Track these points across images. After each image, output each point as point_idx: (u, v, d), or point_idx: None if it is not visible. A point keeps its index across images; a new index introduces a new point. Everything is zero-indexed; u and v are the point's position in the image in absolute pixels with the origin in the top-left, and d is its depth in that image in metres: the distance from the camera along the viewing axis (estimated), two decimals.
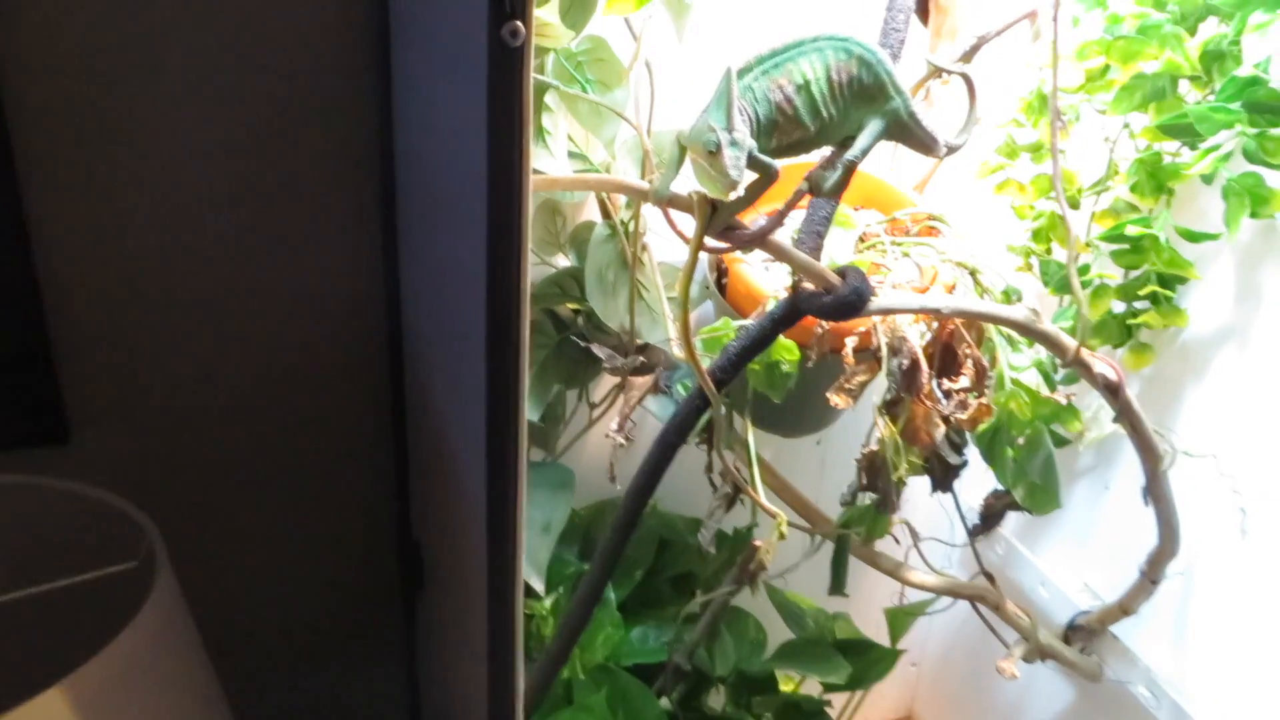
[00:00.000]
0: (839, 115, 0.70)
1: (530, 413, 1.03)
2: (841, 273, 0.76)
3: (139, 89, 0.91)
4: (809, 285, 0.77)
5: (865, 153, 0.71)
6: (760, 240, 0.72)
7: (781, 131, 0.69)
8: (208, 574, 1.12)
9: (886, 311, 0.79)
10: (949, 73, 0.78)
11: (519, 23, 0.45)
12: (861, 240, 1.04)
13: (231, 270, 1.02)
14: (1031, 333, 0.83)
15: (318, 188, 1.00)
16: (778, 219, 0.72)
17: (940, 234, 1.04)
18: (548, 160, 0.95)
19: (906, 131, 0.73)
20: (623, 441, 0.91)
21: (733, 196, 0.66)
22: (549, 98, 0.93)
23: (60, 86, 0.88)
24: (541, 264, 1.07)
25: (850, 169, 0.71)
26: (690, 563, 1.20)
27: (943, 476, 1.10)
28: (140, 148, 0.93)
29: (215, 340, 1.04)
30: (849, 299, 0.74)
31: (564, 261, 1.07)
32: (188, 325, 1.03)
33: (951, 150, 0.75)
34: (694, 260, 0.71)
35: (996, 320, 0.84)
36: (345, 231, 1.03)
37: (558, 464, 1.11)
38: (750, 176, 0.69)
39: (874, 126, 0.71)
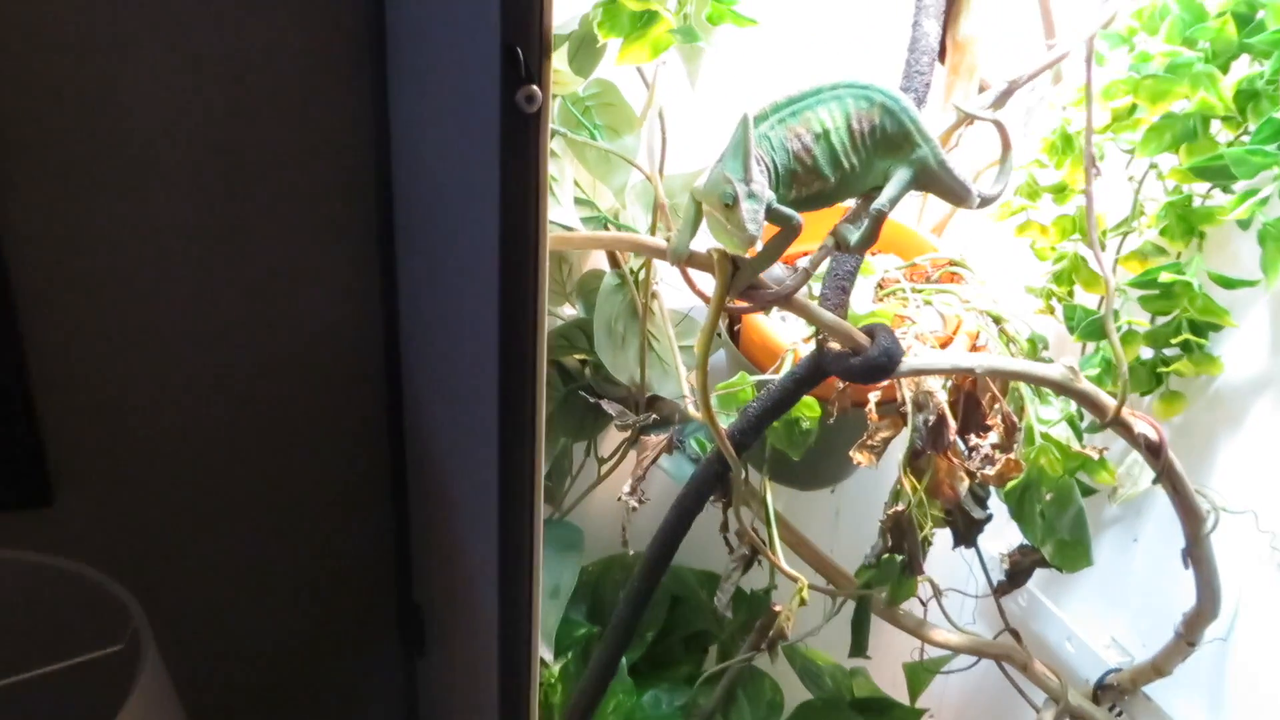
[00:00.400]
0: (862, 165, 0.66)
1: None
2: (870, 332, 0.72)
3: (123, 135, 0.87)
4: (835, 345, 0.73)
5: (894, 203, 0.67)
6: (784, 300, 0.68)
7: (800, 182, 0.65)
8: (198, 636, 1.07)
9: (918, 373, 0.74)
10: (980, 119, 0.74)
11: (535, 87, 0.41)
12: (880, 287, 1.00)
13: (222, 325, 0.97)
14: (1069, 392, 0.79)
15: (313, 239, 0.96)
16: (802, 277, 0.68)
17: (962, 280, 1.00)
18: (554, 209, 0.91)
19: (936, 181, 0.69)
20: (635, 505, 0.86)
21: (752, 251, 0.62)
22: (555, 143, 0.89)
23: (34, 117, 0.84)
24: (549, 315, 1.02)
25: (879, 221, 0.67)
26: (704, 621, 1.15)
27: (966, 531, 1.05)
28: (125, 202, 0.89)
29: (204, 395, 1.00)
30: (878, 361, 0.70)
31: (570, 311, 1.03)
32: (176, 378, 0.98)
33: (985, 202, 0.71)
34: (714, 323, 0.67)
35: (1032, 379, 0.79)
36: (342, 284, 0.99)
37: (566, 522, 1.06)
38: (770, 230, 0.65)
39: (901, 176, 0.67)
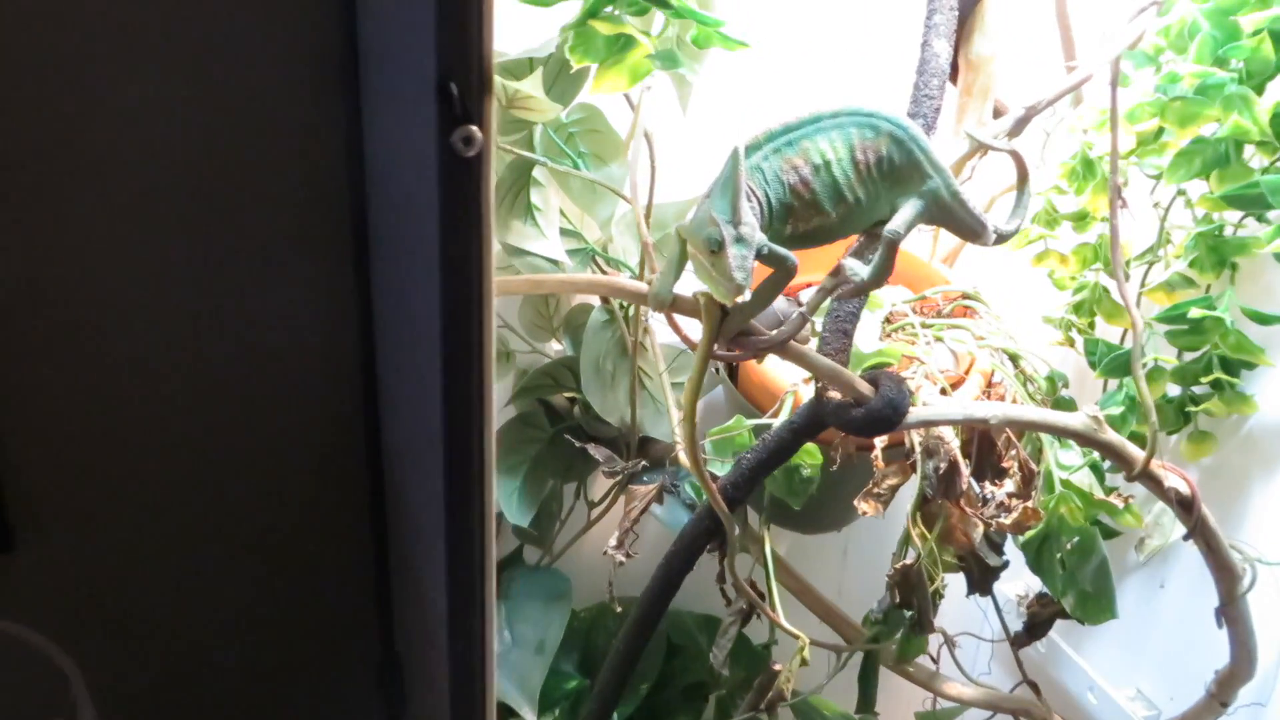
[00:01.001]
0: (868, 199, 0.60)
1: (519, 516, 0.92)
2: (874, 380, 0.66)
3: (89, 179, 0.81)
4: (835, 394, 0.67)
5: (908, 228, 0.61)
6: (777, 348, 0.62)
7: (797, 218, 0.59)
8: (169, 688, 1.01)
9: (926, 424, 0.68)
10: (996, 150, 0.68)
11: (474, 128, 0.35)
12: (888, 321, 0.93)
13: (194, 364, 0.92)
14: (1093, 444, 0.72)
15: (290, 275, 0.90)
16: (798, 323, 0.62)
17: (976, 314, 0.94)
18: (538, 241, 0.85)
19: (949, 215, 0.63)
20: (622, 559, 0.80)
21: (740, 300, 0.56)
22: (539, 173, 0.83)
23: None
24: (533, 352, 0.96)
25: (893, 249, 0.61)
26: (704, 671, 1.08)
27: (981, 579, 0.99)
28: (94, 246, 0.84)
29: (176, 440, 0.94)
30: (882, 414, 0.64)
31: (557, 347, 0.97)
32: (145, 416, 0.92)
33: (1002, 238, 0.64)
34: (701, 373, 0.61)
35: (1052, 430, 0.73)
36: (319, 322, 0.93)
37: (552, 570, 1.01)
38: (763, 272, 0.59)
39: (911, 208, 0.61)
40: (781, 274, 0.59)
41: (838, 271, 0.64)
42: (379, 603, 1.04)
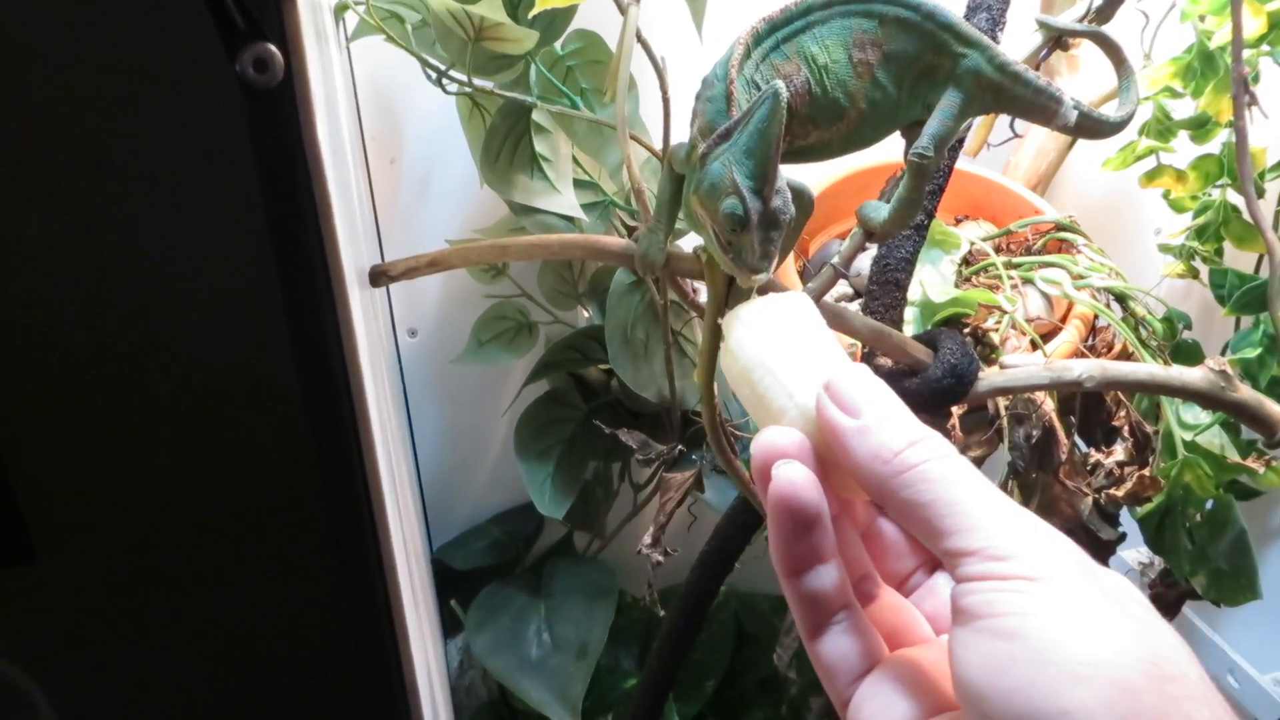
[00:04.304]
0: (882, 103, 0.46)
1: (552, 507, 0.82)
2: (931, 341, 0.53)
3: None
4: (885, 360, 0.54)
5: (942, 143, 0.47)
6: None
7: (793, 134, 0.46)
8: (176, 685, 0.95)
9: (1002, 392, 0.55)
10: (1073, 35, 0.54)
11: (270, 46, 0.25)
12: (966, 264, 0.80)
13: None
14: (1221, 405, 0.58)
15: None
16: (827, 278, 0.49)
17: (1074, 249, 0.79)
18: (547, 196, 0.74)
19: (1002, 95, 0.47)
20: (659, 559, 0.69)
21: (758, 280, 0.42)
22: (541, 116, 0.72)
23: None
24: (556, 323, 0.86)
25: (920, 176, 0.47)
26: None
27: (1093, 553, 0.84)
28: None
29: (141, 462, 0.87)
30: (942, 384, 0.51)
31: (586, 316, 0.86)
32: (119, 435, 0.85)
33: (1112, 126, 0.49)
34: (713, 345, 0.49)
35: (1166, 390, 0.59)
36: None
37: (597, 562, 0.91)
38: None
39: (948, 103, 0.46)
40: (799, 213, 0.46)
41: (861, 217, 0.50)
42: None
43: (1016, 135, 0.55)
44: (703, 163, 0.41)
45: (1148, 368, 0.59)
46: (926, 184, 0.48)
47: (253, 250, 0.79)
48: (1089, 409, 0.81)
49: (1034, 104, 0.48)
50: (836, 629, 0.34)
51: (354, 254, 0.44)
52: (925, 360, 0.53)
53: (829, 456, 0.34)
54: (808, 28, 0.44)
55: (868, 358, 0.56)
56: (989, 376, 0.53)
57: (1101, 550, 0.84)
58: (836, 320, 0.52)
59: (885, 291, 0.56)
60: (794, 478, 0.33)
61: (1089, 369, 0.55)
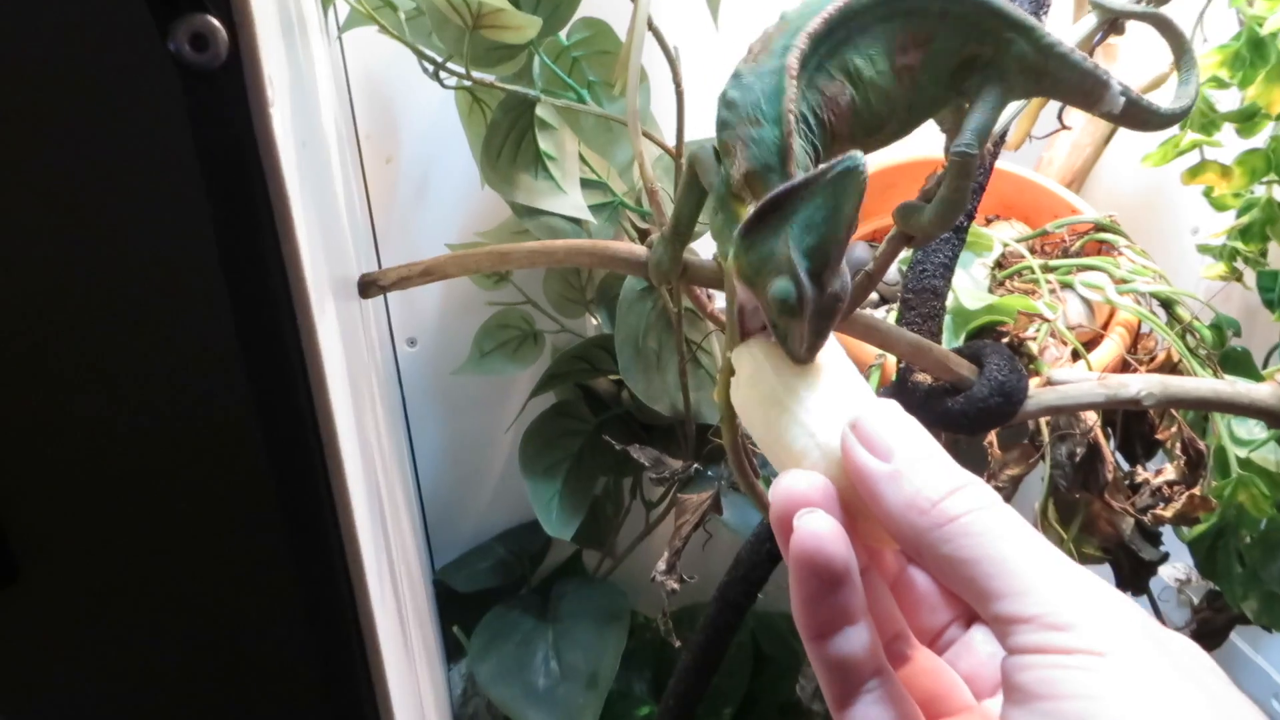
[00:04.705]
0: (920, 105, 0.41)
1: (559, 528, 0.78)
2: (976, 355, 0.48)
3: None
4: (923, 377, 0.50)
5: (985, 136, 0.42)
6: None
7: (830, 154, 0.41)
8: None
9: (1052, 411, 0.50)
10: (1130, 17, 0.49)
11: (210, 19, 0.20)
12: (999, 267, 0.75)
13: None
14: None
15: None
16: (863, 285, 0.44)
17: (1115, 251, 0.74)
18: (553, 197, 0.70)
19: (1045, 79, 0.42)
20: (674, 586, 0.65)
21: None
22: (546, 112, 0.67)
23: None
24: (563, 331, 0.81)
25: (965, 171, 0.42)
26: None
27: (1133, 574, 0.80)
28: None
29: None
30: (989, 404, 0.46)
31: (595, 324, 0.82)
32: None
33: (1164, 119, 0.44)
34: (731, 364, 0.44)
35: (1234, 409, 0.54)
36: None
37: (608, 585, 0.86)
38: None
39: (990, 96, 0.41)
40: (851, 204, 0.41)
41: (901, 219, 0.45)
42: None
43: (1065, 127, 0.50)
44: (751, 230, 0.34)
45: (1211, 384, 0.54)
46: (971, 181, 0.43)
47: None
48: (1130, 421, 0.76)
49: (1079, 88, 0.43)
50: (868, 698, 0.30)
51: (333, 261, 0.40)
52: (969, 377, 0.48)
53: (856, 503, 0.30)
54: (849, 38, 0.38)
55: (903, 374, 0.51)
56: (1038, 395, 0.49)
57: (1142, 571, 0.80)
58: (870, 333, 0.47)
59: (922, 300, 0.51)
60: (819, 530, 0.29)
61: (1147, 385, 0.50)
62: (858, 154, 0.33)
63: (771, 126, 0.37)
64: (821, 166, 0.33)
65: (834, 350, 0.34)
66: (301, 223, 0.25)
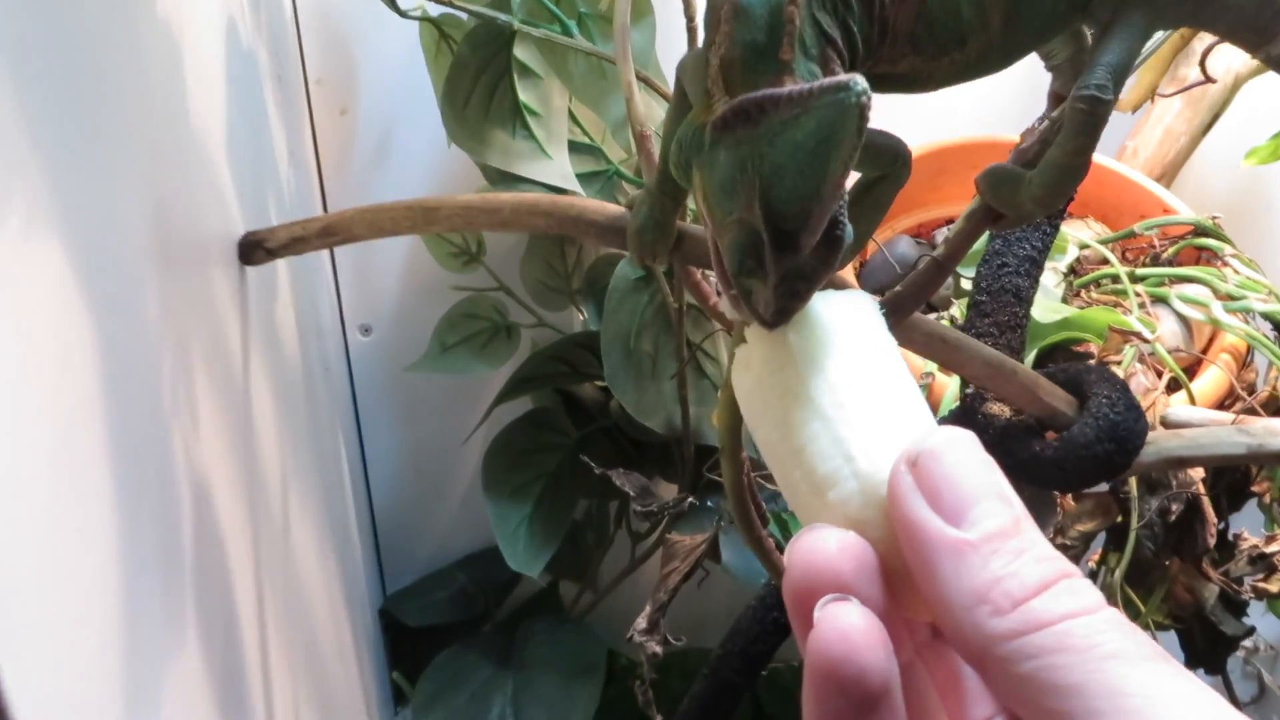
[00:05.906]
0: (1028, 20, 0.29)
1: (525, 562, 0.65)
2: (1076, 384, 0.35)
3: None
4: (999, 408, 0.36)
5: (1122, 78, 0.29)
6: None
7: (881, 57, 0.28)
8: None
9: (1176, 465, 0.37)
10: None
11: None
12: (1074, 274, 0.61)
13: None
14: None
15: None
16: (929, 277, 0.31)
17: (1219, 259, 0.61)
18: (534, 161, 0.57)
19: (1213, 4, 0.30)
20: (656, 650, 0.52)
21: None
22: (525, 52, 0.55)
23: None
24: (540, 325, 0.68)
25: (1093, 125, 0.29)
26: None
27: (1209, 649, 0.68)
28: None
29: None
30: (1097, 450, 0.33)
31: (580, 319, 0.69)
32: None
33: None
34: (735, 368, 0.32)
35: None
36: None
37: (582, 627, 0.73)
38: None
39: (1130, 22, 0.29)
40: (888, 182, 0.29)
41: (982, 188, 0.32)
42: None
43: (1209, 79, 0.37)
44: (717, 136, 0.24)
45: None
46: (1096, 140, 0.30)
47: None
48: (1219, 470, 0.63)
49: (1251, 20, 0.31)
50: None
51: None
52: (1065, 411, 0.35)
53: (898, 564, 0.21)
54: None
55: (971, 402, 0.38)
56: (1158, 441, 0.35)
57: (1220, 647, 0.67)
58: (933, 345, 0.34)
59: (1000, 304, 0.38)
60: (849, 630, 0.20)
61: None
62: (858, 78, 0.22)
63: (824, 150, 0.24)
64: (819, 82, 0.22)
65: (881, 340, 0.24)
66: None
